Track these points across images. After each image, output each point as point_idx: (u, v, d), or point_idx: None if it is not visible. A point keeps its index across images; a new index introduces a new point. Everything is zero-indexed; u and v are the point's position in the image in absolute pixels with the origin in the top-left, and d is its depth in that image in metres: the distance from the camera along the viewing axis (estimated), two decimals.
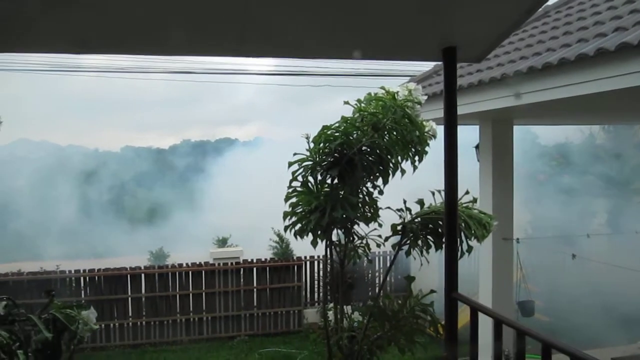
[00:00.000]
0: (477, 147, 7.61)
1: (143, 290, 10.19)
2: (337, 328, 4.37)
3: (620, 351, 7.58)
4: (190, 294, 10.38)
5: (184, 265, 10.43)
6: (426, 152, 4.39)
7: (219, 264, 10.54)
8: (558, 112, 6.64)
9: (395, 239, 4.43)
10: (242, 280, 10.61)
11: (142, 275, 10.24)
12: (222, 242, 11.98)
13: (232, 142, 34.60)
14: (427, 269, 4.46)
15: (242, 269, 10.62)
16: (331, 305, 4.62)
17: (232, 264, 10.60)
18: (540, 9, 6.04)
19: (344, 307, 4.48)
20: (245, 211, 15.58)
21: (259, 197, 15.65)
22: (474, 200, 4.42)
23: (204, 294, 10.41)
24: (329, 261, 4.41)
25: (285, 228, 4.29)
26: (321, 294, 11.11)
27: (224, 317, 10.45)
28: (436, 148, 4.48)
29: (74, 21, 2.37)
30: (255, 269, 10.68)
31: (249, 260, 10.75)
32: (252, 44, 2.81)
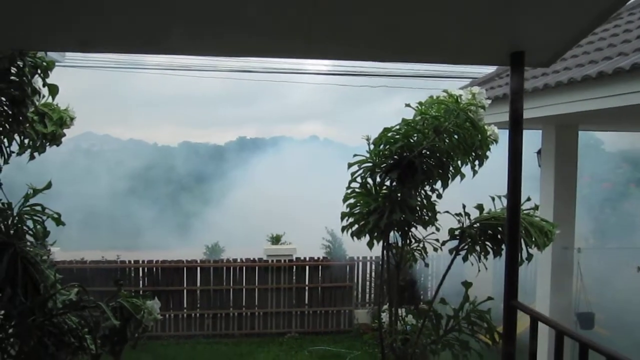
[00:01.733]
0: (539, 152, 7.42)
1: (198, 283, 10.46)
2: (391, 330, 4.36)
3: None
4: (244, 289, 10.58)
5: (239, 260, 10.63)
6: (487, 157, 4.33)
7: (272, 261, 10.70)
8: (628, 118, 6.39)
9: (452, 243, 4.39)
10: (294, 277, 10.72)
11: (198, 268, 10.51)
12: (276, 240, 12.11)
13: (287, 140, 34.93)
14: (480, 276, 4.40)
15: (294, 267, 10.74)
16: (385, 307, 4.61)
17: (285, 261, 10.73)
18: None
19: (398, 309, 4.48)
20: (300, 210, 15.72)
21: (314, 196, 15.77)
22: (536, 208, 4.33)
23: (256, 289, 10.59)
24: (385, 263, 4.41)
25: (343, 228, 4.32)
26: (373, 296, 11.09)
27: (276, 313, 10.59)
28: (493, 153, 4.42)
29: (143, 21, 2.46)
30: (307, 267, 10.77)
31: (302, 258, 10.85)
32: (316, 46, 2.84)
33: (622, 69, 4.29)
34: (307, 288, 10.79)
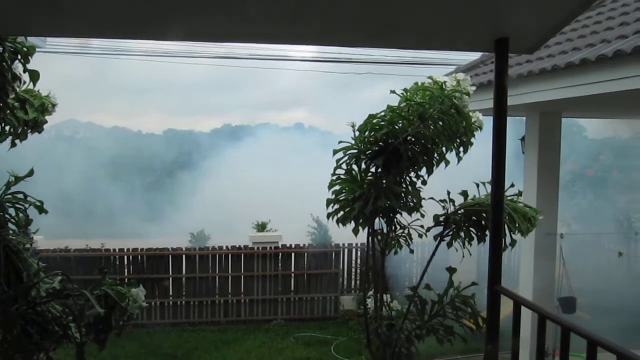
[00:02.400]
0: (522, 139, 7.47)
1: (184, 271, 10.44)
2: (376, 316, 4.39)
3: None
4: (230, 277, 10.58)
5: (224, 248, 10.62)
6: (471, 144, 4.35)
7: (258, 248, 10.70)
8: (611, 105, 6.45)
9: (437, 230, 4.42)
10: (280, 265, 10.74)
11: (183, 256, 10.48)
12: (261, 227, 12.10)
13: (272, 127, 34.80)
14: (465, 262, 4.45)
15: (280, 254, 10.76)
16: (370, 293, 4.64)
17: (271, 248, 10.75)
18: None
19: (384, 295, 4.50)
20: (285, 197, 15.71)
21: (299, 183, 15.75)
22: (519, 194, 4.37)
23: (242, 277, 10.60)
24: (370, 250, 4.42)
25: (328, 215, 4.32)
26: (359, 282, 11.15)
27: (262, 300, 10.62)
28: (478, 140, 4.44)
29: (127, 5, 2.42)
30: (293, 254, 10.79)
31: (288, 245, 10.87)
32: (301, 31, 2.83)
33: (605, 56, 4.32)
34: (293, 275, 10.82)
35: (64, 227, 15.82)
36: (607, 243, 12.68)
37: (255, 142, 24.83)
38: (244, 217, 13.05)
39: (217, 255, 10.55)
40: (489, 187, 4.25)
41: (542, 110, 6.71)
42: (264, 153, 22.48)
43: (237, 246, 10.65)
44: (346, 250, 11.21)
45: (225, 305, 10.55)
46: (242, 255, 10.60)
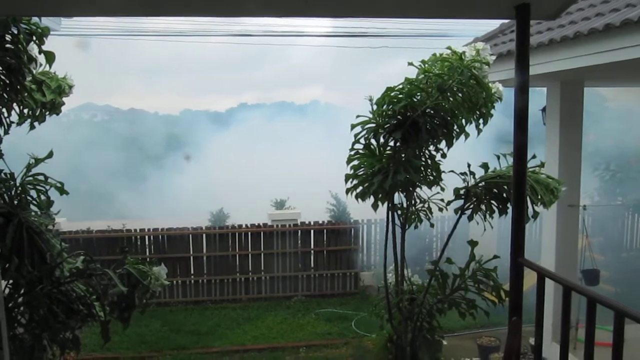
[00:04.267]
0: (543, 110, 7.33)
1: (204, 250, 10.52)
2: (398, 290, 4.39)
3: None
4: (250, 254, 10.64)
5: (244, 226, 10.67)
6: (491, 115, 4.28)
7: (277, 226, 10.73)
8: (635, 72, 6.28)
9: (458, 203, 4.38)
10: (299, 242, 10.77)
11: (204, 235, 10.55)
12: (280, 205, 12.12)
13: (288, 105, 34.68)
14: (485, 235, 4.40)
15: (299, 231, 10.78)
16: (390, 268, 4.62)
17: (290, 225, 10.77)
18: None
19: (404, 270, 4.49)
20: (302, 174, 15.69)
21: (316, 160, 15.72)
22: (542, 165, 4.29)
23: (262, 254, 10.65)
24: (389, 224, 4.40)
25: (347, 190, 4.30)
26: (379, 258, 11.16)
27: (282, 277, 10.68)
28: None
29: None
30: (312, 232, 10.80)
31: (307, 222, 10.88)
32: (314, 3, 2.76)
33: (630, 21, 4.18)
34: (312, 252, 10.85)
35: (86, 209, 16.01)
36: (631, 215, 12.52)
37: (272, 120, 24.78)
38: (262, 195, 13.08)
39: (237, 234, 10.60)
40: (510, 159, 4.20)
41: (564, 80, 6.56)
42: (281, 131, 22.45)
43: (257, 224, 10.69)
44: (365, 226, 11.19)
45: (246, 283, 10.64)
46: (262, 233, 10.64)
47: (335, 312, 9.77)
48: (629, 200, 12.15)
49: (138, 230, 10.46)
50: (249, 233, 10.62)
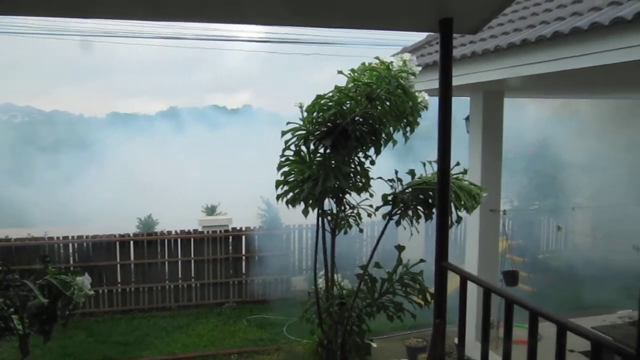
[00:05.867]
0: (467, 118, 7.65)
1: (132, 257, 10.23)
2: (328, 295, 4.44)
3: (600, 320, 7.77)
4: (179, 261, 10.44)
5: (173, 232, 10.46)
6: (418, 124, 4.41)
7: (208, 232, 10.59)
8: (550, 85, 6.67)
9: (386, 209, 4.48)
10: (230, 248, 10.68)
11: (131, 242, 10.26)
12: (211, 210, 11.98)
13: (220, 109, 34.31)
14: (412, 240, 4.54)
15: (231, 237, 10.69)
16: (321, 273, 4.67)
17: (221, 231, 10.66)
18: None
19: (334, 275, 4.55)
20: (233, 179, 15.56)
21: (248, 165, 15.63)
22: (464, 172, 4.47)
23: (192, 261, 10.49)
24: (320, 230, 4.45)
25: (278, 197, 4.32)
26: (310, 263, 11.23)
27: (213, 284, 10.54)
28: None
29: None
30: (244, 237, 10.74)
31: (238, 228, 10.80)
32: (248, 9, 2.78)
33: (544, 37, 4.45)
34: (244, 258, 10.78)
35: (4, 217, 15.21)
36: (546, 218, 13.24)
37: (203, 125, 24.44)
38: (192, 201, 12.87)
39: (166, 240, 10.38)
40: (435, 166, 4.36)
41: (486, 90, 6.87)
42: (212, 135, 22.16)
43: (187, 230, 10.51)
44: (296, 232, 11.25)
45: (175, 291, 10.43)
46: (192, 239, 10.47)
47: (267, 318, 9.75)
48: (545, 205, 12.83)
49: (61, 238, 10.04)
50: (179, 239, 10.42)
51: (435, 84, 2.97)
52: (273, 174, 4.42)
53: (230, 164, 17.67)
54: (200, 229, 10.69)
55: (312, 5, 2.74)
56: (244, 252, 10.76)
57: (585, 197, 12.40)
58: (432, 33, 7.32)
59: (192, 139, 21.92)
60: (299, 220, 10.87)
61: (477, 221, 7.05)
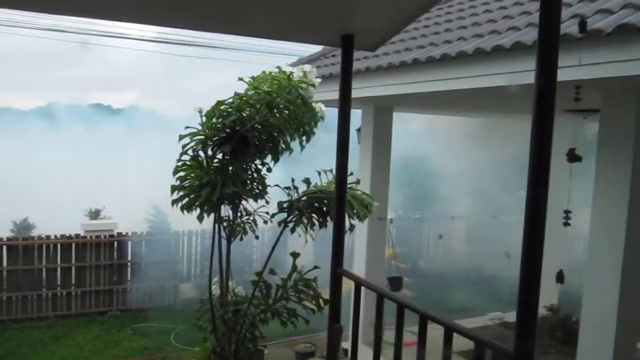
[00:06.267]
0: (358, 130, 7.93)
1: (5, 263, 9.46)
2: (223, 302, 4.43)
3: (474, 322, 8.36)
4: (59, 268, 9.83)
5: (52, 237, 9.82)
6: (314, 133, 4.54)
7: (91, 237, 10.07)
8: (438, 102, 7.10)
9: (282, 216, 4.56)
10: (115, 253, 10.23)
11: (4, 247, 9.49)
12: (95, 214, 11.42)
13: (104, 108, 32.71)
14: (305, 246, 4.66)
15: (116, 242, 10.24)
16: (215, 279, 4.65)
17: (105, 236, 10.18)
18: None
19: (229, 281, 4.55)
20: (119, 182, 14.91)
21: (135, 168, 15.05)
22: (358, 182, 4.67)
23: (73, 267, 9.91)
24: (216, 236, 4.43)
25: (173, 202, 4.25)
26: (199, 269, 11.06)
27: (95, 291, 10.03)
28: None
29: None
30: (130, 242, 10.33)
31: (124, 233, 10.38)
32: (151, 10, 2.74)
33: (433, 58, 4.76)
34: (129, 264, 10.38)
35: None
36: (427, 227, 14.02)
37: (85, 123, 23.14)
38: (73, 204, 12.18)
39: (45, 245, 9.73)
40: (330, 175, 4.52)
41: (377, 104, 7.18)
42: (94, 135, 21.04)
43: (68, 235, 9.92)
44: (186, 237, 11.03)
45: (53, 299, 9.79)
46: (73, 244, 9.90)
47: (153, 326, 9.44)
48: (426, 214, 13.60)
49: None
50: (59, 244, 9.81)
51: (330, 96, 3.09)
52: (162, 178, 4.35)
53: (115, 166, 16.87)
54: (82, 234, 10.14)
55: (222, 13, 2.76)
56: (129, 258, 10.35)
57: (461, 207, 13.30)
58: (329, 46, 7.55)
59: (72, 138, 20.64)
60: (188, 226, 10.68)
61: (365, 229, 7.32)
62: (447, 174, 12.55)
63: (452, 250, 13.93)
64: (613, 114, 4.18)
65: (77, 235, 10.02)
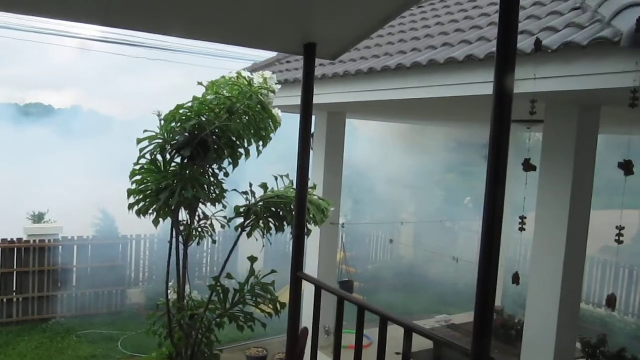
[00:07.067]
0: (312, 135, 8.02)
1: None
2: (180, 307, 4.40)
3: (421, 324, 8.56)
4: None
5: None
6: (271, 139, 4.60)
7: (34, 241, 9.74)
8: (390, 110, 7.27)
9: (239, 220, 4.58)
10: (60, 259, 9.92)
11: None
12: (39, 218, 11.03)
13: (45, 108, 31.61)
14: (260, 252, 4.69)
15: (60, 247, 9.94)
16: (171, 284, 4.61)
17: (50, 241, 9.87)
18: None
19: (186, 286, 4.53)
20: (64, 185, 14.45)
21: (79, 170, 14.63)
22: (314, 187, 4.75)
23: (15, 273, 9.55)
24: (173, 240, 4.40)
25: (130, 206, 4.20)
26: (147, 274, 10.87)
27: (38, 298, 9.71)
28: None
29: None
30: (75, 247, 10.06)
31: (69, 237, 10.09)
32: (115, 14, 2.74)
33: (389, 68, 4.90)
34: (75, 269, 10.09)
35: None
36: (375, 232, 14.27)
37: (25, 124, 22.27)
38: (16, 207, 11.73)
39: None
40: (286, 181, 4.58)
41: (330, 111, 7.30)
42: (34, 137, 20.27)
43: (9, 239, 9.56)
44: (134, 242, 10.81)
45: None
46: (15, 249, 9.55)
47: (100, 332, 9.21)
48: (374, 220, 13.83)
49: None
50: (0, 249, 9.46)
51: (286, 102, 3.16)
52: (109, 181, 4.30)
53: (55, 168, 16.31)
54: (25, 238, 9.79)
55: (186, 18, 2.79)
56: (75, 263, 10.07)
57: (409, 212, 13.61)
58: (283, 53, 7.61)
59: (7, 139, 19.76)
60: (137, 230, 10.47)
61: (318, 234, 7.41)
62: (397, 179, 12.82)
63: (401, 254, 14.23)
64: (556, 125, 4.43)
65: (19, 240, 9.67)
